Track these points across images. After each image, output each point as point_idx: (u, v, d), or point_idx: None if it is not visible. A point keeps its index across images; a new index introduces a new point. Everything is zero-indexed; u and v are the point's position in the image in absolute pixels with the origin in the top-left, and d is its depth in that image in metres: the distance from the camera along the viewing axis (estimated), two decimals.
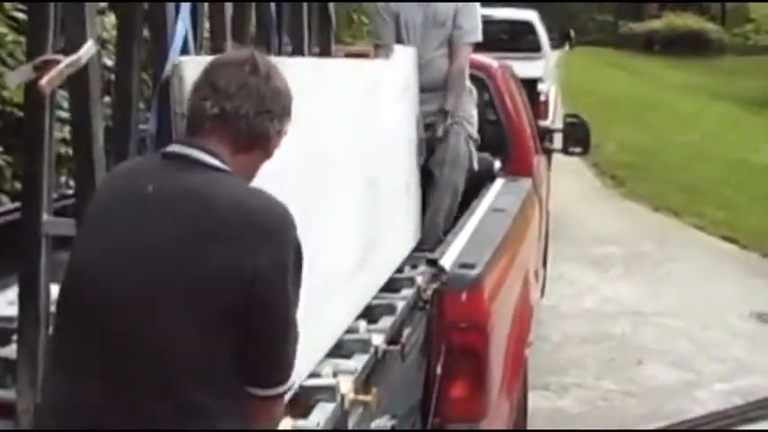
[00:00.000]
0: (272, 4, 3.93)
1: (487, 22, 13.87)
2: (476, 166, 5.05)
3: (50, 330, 2.20)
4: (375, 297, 3.63)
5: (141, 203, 1.96)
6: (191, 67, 2.20)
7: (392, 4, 5.15)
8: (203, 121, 2.02)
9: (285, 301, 1.98)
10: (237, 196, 1.97)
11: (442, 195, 4.82)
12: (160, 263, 1.91)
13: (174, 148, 2.03)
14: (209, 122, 2.01)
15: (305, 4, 4.34)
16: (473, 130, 5.10)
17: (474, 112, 5.15)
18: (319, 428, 2.59)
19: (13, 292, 2.74)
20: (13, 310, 2.69)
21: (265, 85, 2.01)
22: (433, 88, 4.90)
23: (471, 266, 3.60)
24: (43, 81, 2.39)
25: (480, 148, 5.45)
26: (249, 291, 1.91)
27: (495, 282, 3.74)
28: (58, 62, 2.47)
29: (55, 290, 2.58)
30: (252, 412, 2.01)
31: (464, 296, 3.48)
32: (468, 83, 5.18)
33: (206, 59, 2.24)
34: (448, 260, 3.66)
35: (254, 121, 2.01)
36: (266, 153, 2.09)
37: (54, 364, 2.06)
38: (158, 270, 1.91)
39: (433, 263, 3.65)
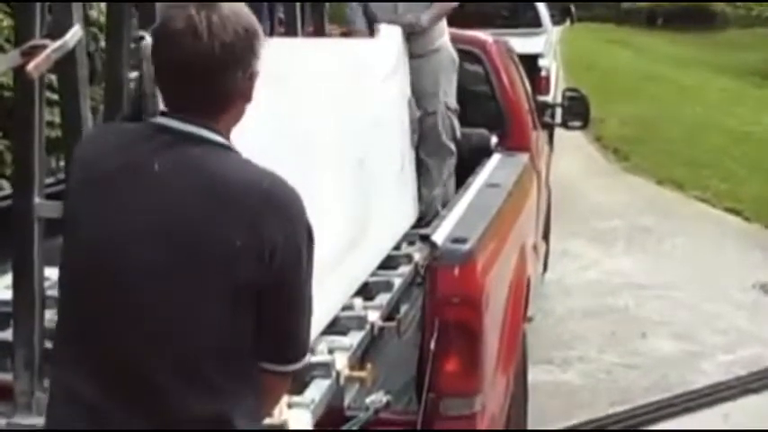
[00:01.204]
0: None
1: None
2: (457, 134, 5.10)
3: (53, 313, 2.17)
4: (372, 274, 3.65)
5: (149, 181, 1.95)
6: None
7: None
8: (176, 95, 2.01)
9: (300, 279, 2.02)
10: (250, 176, 1.99)
11: (436, 170, 4.87)
12: (175, 242, 1.92)
13: (166, 121, 2.00)
14: (183, 96, 2.00)
15: None
16: (451, 100, 5.11)
17: (454, 82, 5.16)
18: (314, 405, 2.61)
19: (10, 277, 2.75)
20: (10, 294, 2.71)
21: (212, 45, 1.94)
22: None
23: (464, 241, 3.60)
24: (30, 66, 2.41)
25: (476, 124, 5.47)
26: (267, 270, 1.93)
27: (488, 256, 3.74)
28: (45, 47, 2.48)
29: (49, 272, 2.62)
30: (266, 388, 2.05)
31: (456, 271, 3.49)
32: (452, 52, 5.16)
33: None
34: (440, 235, 3.67)
35: (221, 83, 1.99)
36: (245, 99, 2.07)
37: (63, 345, 2.03)
38: (174, 249, 1.92)
39: (425, 238, 3.66)
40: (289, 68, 2.99)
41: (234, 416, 1.96)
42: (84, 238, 1.98)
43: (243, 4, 2.05)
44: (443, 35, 5.18)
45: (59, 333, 2.05)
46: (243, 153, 2.38)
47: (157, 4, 2.42)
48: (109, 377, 1.94)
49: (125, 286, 1.93)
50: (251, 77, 2.04)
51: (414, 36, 4.94)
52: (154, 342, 1.91)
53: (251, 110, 2.58)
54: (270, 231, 1.93)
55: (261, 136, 2.65)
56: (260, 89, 2.66)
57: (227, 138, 2.04)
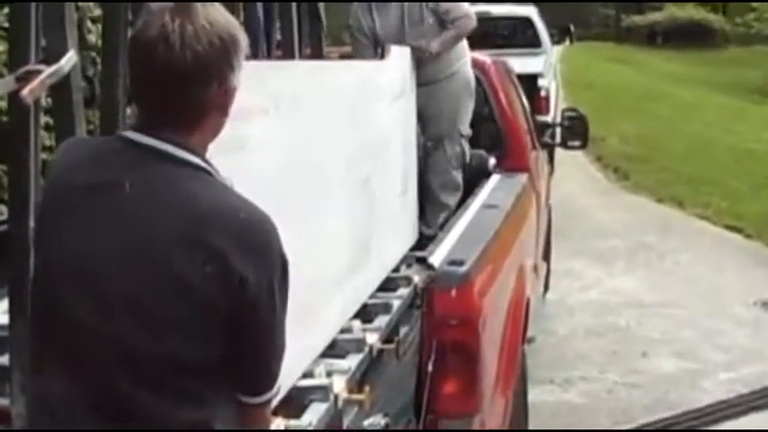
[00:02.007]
0: (259, 7, 3.96)
1: (486, 19, 13.98)
2: (467, 160, 5.13)
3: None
4: (371, 296, 3.64)
5: (120, 200, 1.91)
6: None
7: (367, 23, 5.10)
8: (148, 107, 1.97)
9: (271, 316, 1.98)
10: (226, 205, 1.94)
11: (446, 197, 4.94)
12: (145, 263, 1.89)
13: (138, 137, 1.95)
14: (155, 108, 1.96)
15: (294, 6, 4.36)
16: (465, 127, 5.14)
17: (470, 107, 5.17)
18: (312, 428, 2.60)
19: (6, 302, 2.75)
20: (6, 319, 2.71)
21: (185, 56, 1.88)
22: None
23: (461, 263, 3.60)
24: (25, 91, 2.41)
25: (475, 145, 5.47)
26: (236, 300, 1.90)
27: (485, 277, 3.74)
28: (40, 72, 2.49)
29: None
30: (240, 418, 2.02)
31: (453, 293, 3.49)
32: (470, 75, 5.17)
33: None
34: (438, 257, 3.67)
35: (194, 96, 1.93)
36: (222, 113, 2.00)
37: (37, 367, 2.00)
38: (143, 270, 1.89)
39: (422, 260, 3.66)
40: (299, 90, 3.00)
41: (213, 423, 1.94)
42: (52, 255, 1.95)
43: (226, 12, 1.99)
44: (462, 58, 5.18)
45: (34, 351, 2.01)
46: (249, 174, 2.39)
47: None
48: (87, 396, 1.91)
49: (95, 306, 1.90)
50: (227, 91, 1.97)
51: (428, 61, 4.93)
52: (128, 360, 1.89)
53: (258, 131, 2.60)
54: (242, 263, 1.89)
55: (267, 157, 2.66)
56: (267, 110, 2.69)
57: (203, 154, 1.98)
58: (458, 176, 5.13)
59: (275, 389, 2.06)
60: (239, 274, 1.88)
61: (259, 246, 1.94)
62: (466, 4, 5.25)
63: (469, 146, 5.21)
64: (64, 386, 1.93)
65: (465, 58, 5.19)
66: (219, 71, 1.94)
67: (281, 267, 1.97)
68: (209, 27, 1.91)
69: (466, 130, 5.13)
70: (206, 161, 1.98)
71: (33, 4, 2.55)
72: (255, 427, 2.06)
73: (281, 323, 2.01)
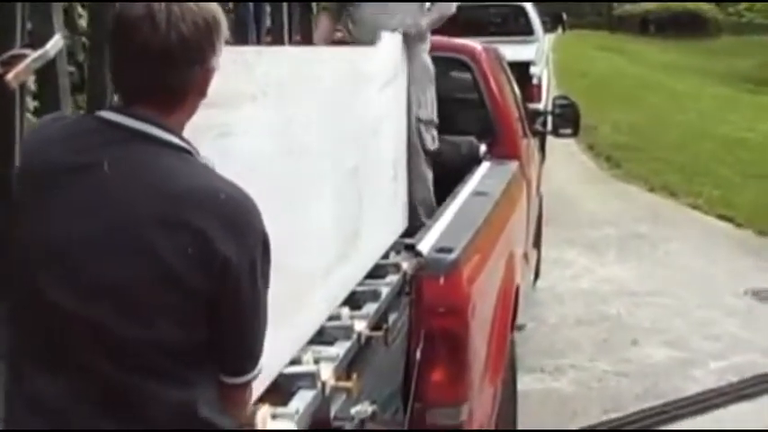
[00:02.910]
0: None
1: (479, 7, 13.96)
2: (429, 146, 4.96)
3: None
4: (360, 283, 3.63)
5: (99, 181, 1.89)
6: None
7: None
8: (128, 86, 1.96)
9: (253, 294, 1.98)
10: (207, 186, 1.93)
11: (413, 189, 4.82)
12: (125, 245, 1.87)
13: (116, 117, 1.94)
14: (135, 88, 1.95)
15: None
16: (426, 111, 4.99)
17: (430, 92, 5.04)
18: (298, 415, 2.59)
19: None
20: None
21: (169, 36, 1.89)
22: None
23: (449, 251, 3.58)
24: (9, 76, 2.38)
25: (466, 132, 5.45)
26: (218, 281, 1.90)
27: (474, 265, 3.73)
28: (25, 56, 2.46)
29: None
30: (222, 395, 2.01)
31: (442, 280, 3.48)
32: (428, 61, 5.06)
33: None
34: (426, 245, 3.66)
35: (176, 76, 1.93)
36: (200, 94, 2.00)
37: (21, 360, 1.97)
38: (123, 252, 1.87)
39: (410, 248, 3.64)
40: (287, 76, 2.98)
41: (198, 404, 1.94)
42: (28, 239, 1.92)
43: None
44: (419, 45, 5.06)
45: (16, 342, 1.99)
46: (236, 160, 2.37)
47: None
48: (71, 381, 1.90)
49: (75, 291, 1.88)
50: (207, 72, 1.97)
51: None
52: (111, 346, 1.88)
53: (245, 117, 2.59)
54: (224, 243, 1.89)
55: (257, 143, 2.65)
56: (255, 97, 2.67)
57: (180, 133, 1.97)
58: (419, 165, 4.96)
59: (257, 369, 2.06)
60: (222, 254, 1.88)
61: (241, 226, 1.94)
62: None
63: (436, 133, 5.07)
64: (47, 376, 1.91)
65: (424, 44, 5.09)
66: (202, 52, 1.94)
67: (262, 246, 1.97)
68: (194, 8, 1.92)
69: (427, 115, 4.98)
70: (186, 141, 1.97)
71: None
72: (236, 408, 2.06)
73: (264, 303, 2.01)
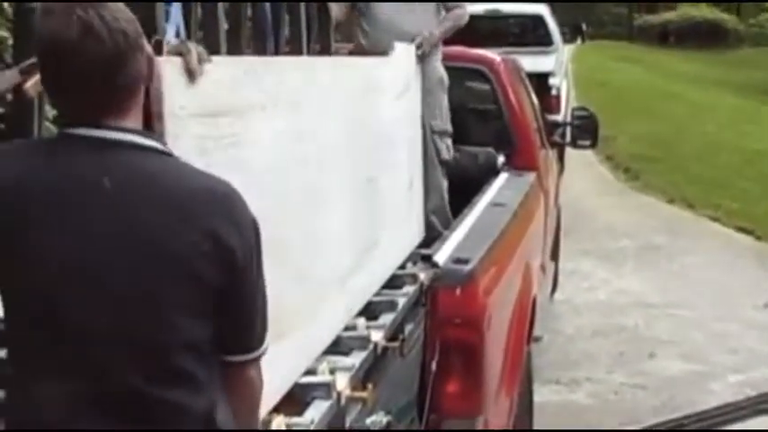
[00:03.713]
0: (267, 3, 3.93)
1: (498, 18, 13.97)
2: (445, 156, 4.96)
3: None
4: (376, 294, 3.63)
5: (98, 196, 1.91)
6: (168, 69, 2.19)
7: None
8: (87, 102, 1.94)
9: (257, 277, 2.07)
10: (201, 185, 2.00)
11: (428, 199, 4.79)
12: (141, 255, 1.91)
13: (89, 132, 1.94)
14: (91, 101, 1.94)
15: (303, 2, 4.34)
16: (440, 122, 4.98)
17: (443, 102, 5.03)
18: (313, 426, 2.59)
19: None
20: None
21: (114, 41, 1.89)
22: None
23: (465, 262, 3.58)
24: (28, 84, 2.40)
25: (484, 143, 5.44)
26: (227, 272, 1.97)
27: (491, 276, 3.72)
28: None
29: None
30: (231, 379, 2.07)
31: (458, 291, 3.48)
32: (441, 71, 5.05)
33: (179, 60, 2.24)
34: (443, 256, 3.65)
35: (131, 72, 1.94)
36: (148, 80, 2.03)
37: (33, 382, 1.96)
38: (145, 264, 1.91)
39: (427, 258, 3.64)
40: (299, 87, 2.98)
41: (216, 409, 2.00)
42: (37, 260, 1.92)
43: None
44: (432, 54, 5.04)
45: (21, 361, 1.99)
46: (245, 170, 2.38)
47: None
48: (88, 392, 1.91)
49: (99, 305, 1.90)
50: (149, 57, 2.02)
51: None
52: (131, 349, 1.91)
53: (254, 127, 2.59)
54: (230, 238, 1.96)
55: (267, 152, 2.65)
56: (265, 107, 2.67)
57: (152, 135, 2.02)
58: (435, 175, 4.94)
59: (264, 345, 2.14)
60: (230, 248, 1.96)
61: (239, 217, 2.02)
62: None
63: (451, 141, 5.04)
64: (70, 393, 1.91)
65: (437, 53, 5.07)
66: (140, 39, 1.97)
67: (255, 231, 2.05)
68: (114, 7, 1.94)
69: (441, 125, 4.97)
70: (161, 142, 2.02)
71: None
72: (246, 386, 2.12)
73: (263, 283, 2.10)
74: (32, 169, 1.96)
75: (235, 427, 2.05)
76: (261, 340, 2.12)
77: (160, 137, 2.07)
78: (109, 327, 1.91)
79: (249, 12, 3.98)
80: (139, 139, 1.97)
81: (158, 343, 1.93)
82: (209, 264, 1.94)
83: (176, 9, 3.16)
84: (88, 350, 1.91)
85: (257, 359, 2.12)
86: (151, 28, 2.70)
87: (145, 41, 2.00)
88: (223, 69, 2.45)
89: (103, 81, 1.92)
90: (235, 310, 2.03)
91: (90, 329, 1.91)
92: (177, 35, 3.04)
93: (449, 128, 5.03)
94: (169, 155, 2.01)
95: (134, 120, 1.99)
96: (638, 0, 38.82)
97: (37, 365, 1.96)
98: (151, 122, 2.11)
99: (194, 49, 2.26)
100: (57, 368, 1.93)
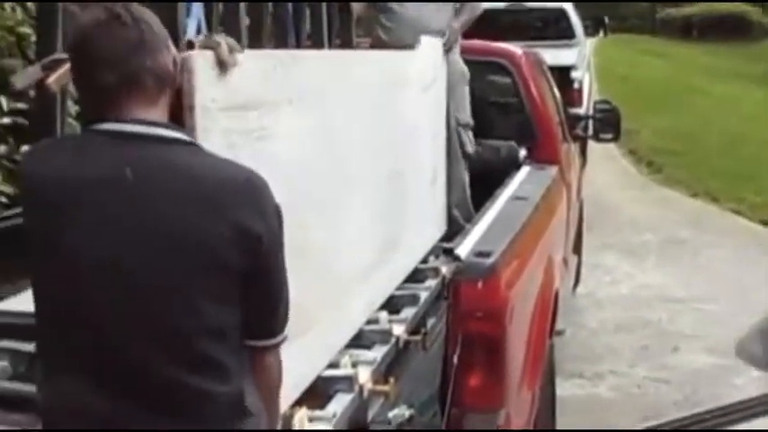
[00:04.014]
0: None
1: (520, 11, 13.93)
2: (468, 149, 4.98)
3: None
4: (398, 288, 3.64)
5: (125, 189, 1.95)
6: (200, 62, 2.20)
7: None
8: (113, 94, 1.99)
9: (281, 264, 2.11)
10: (226, 173, 2.03)
11: (450, 191, 4.79)
12: (168, 244, 1.95)
13: (118, 126, 1.99)
14: (118, 93, 1.99)
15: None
16: (463, 114, 4.99)
17: (466, 95, 5.04)
18: (336, 418, 2.60)
19: None
20: None
21: (140, 28, 1.98)
22: None
23: (487, 255, 3.58)
24: (50, 80, 2.42)
25: (505, 137, 5.43)
26: (252, 258, 2.01)
27: (513, 270, 3.72)
28: (66, 61, 2.49)
29: None
30: (255, 362, 2.13)
31: (480, 285, 3.48)
32: (462, 64, 5.06)
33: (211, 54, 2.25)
34: (464, 249, 3.65)
35: (151, 61, 2.00)
36: (173, 84, 2.08)
37: (61, 366, 2.02)
38: (168, 250, 1.95)
39: (449, 252, 3.64)
40: (326, 80, 2.99)
41: (245, 394, 2.05)
42: (69, 255, 1.96)
43: None
44: (453, 47, 5.05)
45: (52, 355, 2.04)
46: (272, 163, 2.39)
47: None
48: (122, 383, 1.96)
49: (125, 295, 1.95)
50: (175, 61, 2.06)
51: None
52: (162, 340, 1.95)
53: (281, 121, 2.60)
54: (255, 225, 2.00)
55: (294, 146, 2.66)
56: (291, 101, 2.68)
57: (178, 128, 2.06)
58: (458, 169, 4.96)
59: (286, 330, 2.18)
60: (255, 234, 2.00)
61: (264, 205, 2.05)
62: None
63: (473, 136, 5.07)
64: (99, 382, 1.96)
65: (456, 46, 5.07)
66: (165, 38, 2.04)
67: (278, 217, 2.09)
68: (140, 7, 2.04)
69: (464, 118, 4.99)
70: (185, 133, 2.06)
71: None
72: (268, 370, 2.16)
73: (285, 268, 2.14)
74: (61, 169, 2.00)
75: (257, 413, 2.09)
76: (282, 326, 2.16)
77: (190, 131, 2.10)
78: (137, 316, 1.95)
79: (270, 8, 3.99)
80: (165, 131, 2.01)
81: (186, 331, 1.96)
82: (235, 252, 1.98)
83: (197, 6, 3.18)
84: (117, 340, 1.95)
85: (277, 345, 2.17)
86: (173, 27, 2.72)
87: (171, 44, 2.04)
88: (253, 63, 2.46)
89: (128, 67, 1.97)
90: (259, 295, 2.07)
91: (119, 320, 1.95)
92: (198, 31, 3.06)
93: (471, 120, 5.04)
94: (194, 145, 2.05)
95: (160, 115, 2.03)
96: None
97: (66, 357, 2.00)
98: (182, 117, 2.13)
99: (224, 41, 2.28)
100: (86, 359, 1.97)
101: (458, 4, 5.11)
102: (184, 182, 1.98)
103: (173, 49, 2.06)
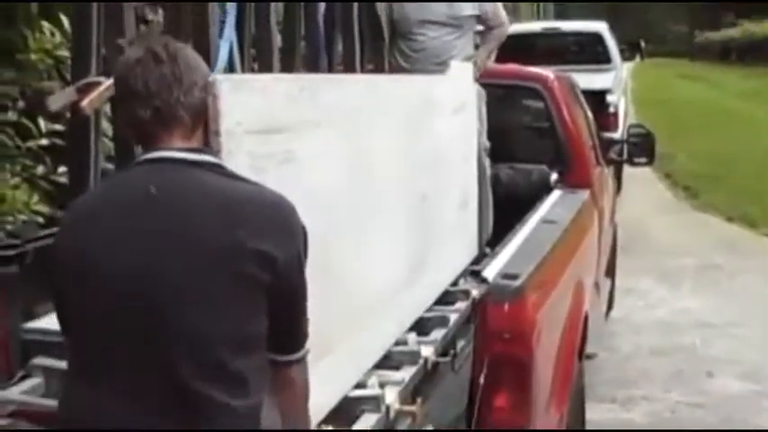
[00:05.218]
0: (321, 21, 3.99)
1: (556, 35, 13.96)
2: (488, 171, 5.02)
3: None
4: (428, 310, 3.65)
5: (152, 205, 2.05)
6: (225, 86, 2.24)
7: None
8: (150, 128, 2.11)
9: (304, 284, 2.18)
10: (252, 194, 2.11)
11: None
12: (196, 259, 2.02)
13: (151, 155, 2.11)
14: (155, 127, 2.10)
15: (355, 21, 4.40)
16: (485, 138, 5.03)
17: (483, 116, 5.07)
18: None
19: None
20: None
21: (175, 65, 2.10)
22: None
23: (515, 277, 3.60)
24: (84, 102, 2.47)
25: (537, 160, 5.45)
26: (276, 276, 2.07)
27: (540, 292, 3.72)
28: (99, 84, 2.55)
29: None
30: (278, 377, 2.20)
31: (506, 306, 3.49)
32: (478, 87, 5.05)
33: (242, 78, 2.30)
34: (492, 271, 3.67)
35: (188, 102, 2.10)
36: (206, 121, 2.17)
37: (94, 380, 2.08)
38: (196, 266, 2.02)
39: (476, 274, 3.66)
40: (356, 104, 3.02)
41: (260, 410, 2.10)
42: (107, 280, 2.04)
43: None
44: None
45: (83, 368, 2.11)
46: (299, 186, 2.43)
47: None
48: (148, 394, 2.02)
49: (157, 308, 2.01)
50: (212, 98, 2.15)
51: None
52: (188, 350, 2.01)
53: (309, 143, 2.63)
54: (279, 246, 2.08)
55: (321, 169, 2.69)
56: (320, 123, 2.71)
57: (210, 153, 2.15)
58: (486, 191, 4.96)
59: (307, 346, 2.25)
60: (279, 255, 2.07)
61: (289, 226, 2.14)
62: (503, 11, 5.27)
63: (490, 159, 5.10)
64: (126, 392, 2.02)
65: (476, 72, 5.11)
66: (204, 77, 2.14)
67: (303, 236, 2.17)
68: (176, 43, 2.18)
69: (485, 142, 5.04)
70: (214, 156, 2.14)
71: (95, 17, 2.62)
72: (291, 385, 2.23)
73: (305, 282, 2.20)
74: (99, 198, 2.20)
75: (282, 427, 2.15)
76: (303, 342, 2.23)
77: (215, 154, 2.16)
78: (162, 327, 2.01)
79: (303, 30, 4.04)
80: (193, 155, 2.10)
81: (208, 342, 2.02)
82: (257, 266, 2.04)
83: (230, 27, 3.22)
84: (143, 351, 2.01)
85: (299, 360, 2.23)
86: (204, 45, 2.76)
87: (209, 78, 2.15)
88: (278, 86, 2.49)
89: (163, 101, 2.08)
90: (285, 311, 2.14)
91: (145, 330, 2.01)
92: (230, 52, 3.10)
93: (488, 143, 5.09)
94: (222, 167, 2.12)
95: (197, 144, 2.14)
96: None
97: (95, 368, 2.08)
98: (208, 140, 2.19)
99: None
100: (115, 369, 2.04)
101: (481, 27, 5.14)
102: (213, 198, 2.06)
103: (208, 85, 2.15)
